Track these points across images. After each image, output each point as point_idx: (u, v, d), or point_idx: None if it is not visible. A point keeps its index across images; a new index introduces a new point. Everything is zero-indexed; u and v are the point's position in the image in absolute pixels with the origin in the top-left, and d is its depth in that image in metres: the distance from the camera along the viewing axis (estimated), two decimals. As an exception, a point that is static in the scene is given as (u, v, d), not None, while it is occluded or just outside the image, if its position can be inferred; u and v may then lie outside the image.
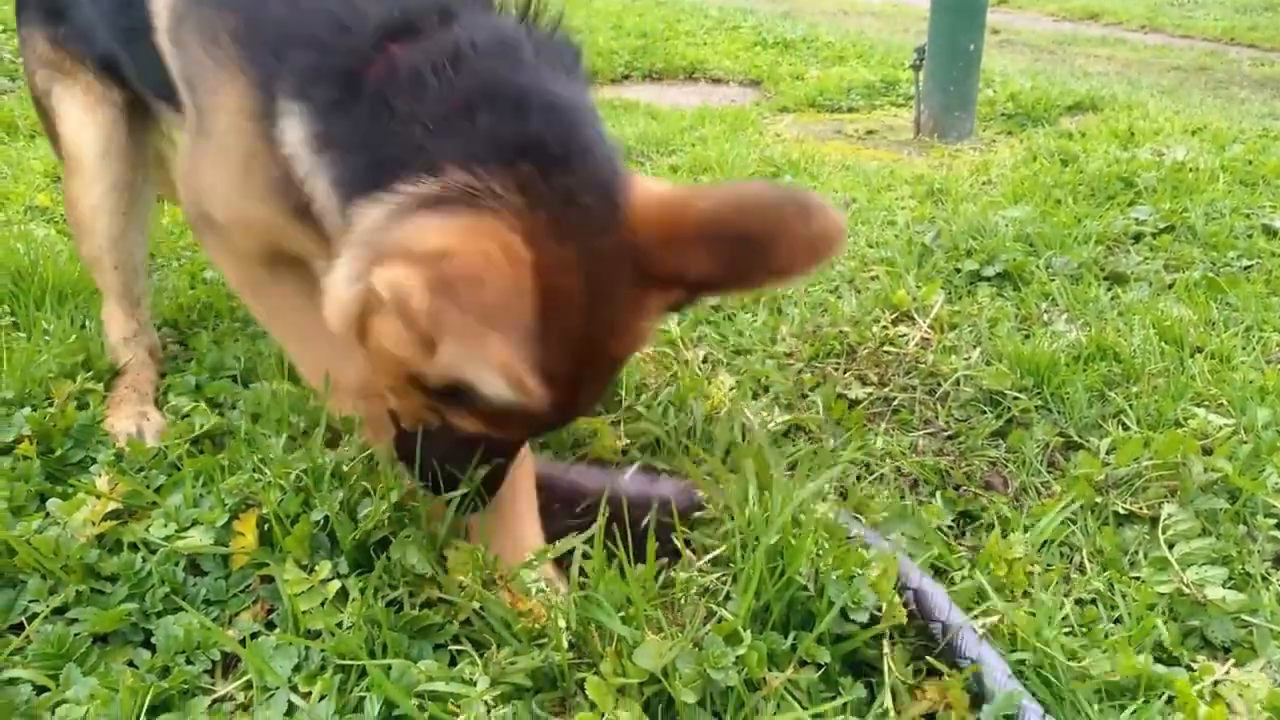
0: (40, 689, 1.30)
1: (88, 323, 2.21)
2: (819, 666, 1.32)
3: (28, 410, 1.79)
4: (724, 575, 1.44)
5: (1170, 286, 2.82)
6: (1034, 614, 1.41)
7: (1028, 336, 2.45)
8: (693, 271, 1.23)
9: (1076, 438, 2.03)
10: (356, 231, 1.22)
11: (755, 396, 2.17)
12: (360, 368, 1.50)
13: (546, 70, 1.27)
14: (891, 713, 1.27)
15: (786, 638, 1.34)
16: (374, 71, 1.25)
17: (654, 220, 1.22)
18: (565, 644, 1.25)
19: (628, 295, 1.23)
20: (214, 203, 1.53)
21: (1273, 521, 1.71)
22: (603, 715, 1.19)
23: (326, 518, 1.48)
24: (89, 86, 1.87)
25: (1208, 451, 1.87)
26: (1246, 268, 2.94)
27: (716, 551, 1.47)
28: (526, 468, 1.55)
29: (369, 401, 1.55)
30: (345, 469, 1.53)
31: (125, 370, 1.99)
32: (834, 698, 1.29)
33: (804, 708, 1.26)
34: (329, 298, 1.20)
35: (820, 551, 1.39)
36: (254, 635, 1.40)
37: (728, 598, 1.38)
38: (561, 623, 1.23)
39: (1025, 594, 1.52)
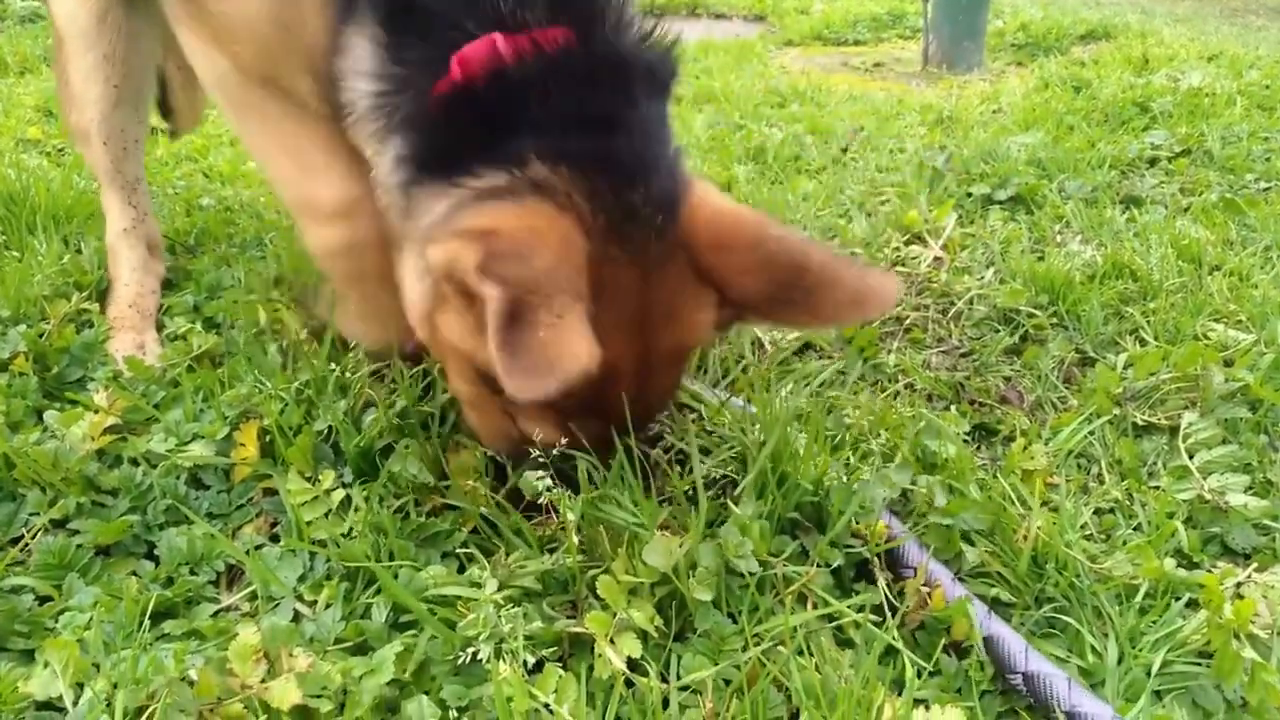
0: (43, 599, 1.28)
1: (83, 246, 2.16)
2: (831, 569, 1.30)
3: (23, 328, 1.75)
4: (728, 479, 1.41)
5: (1187, 209, 2.76)
6: (1056, 519, 1.38)
7: (1041, 257, 2.40)
8: (738, 285, 1.22)
9: (1092, 353, 1.99)
10: (419, 224, 1.22)
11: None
12: (340, 194, 1.45)
13: (641, 90, 1.25)
14: (899, 609, 1.25)
15: (794, 541, 1.32)
16: (472, 51, 1.19)
17: (709, 224, 1.23)
18: (576, 545, 1.22)
19: (681, 289, 1.22)
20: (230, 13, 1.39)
21: (1295, 431, 1.68)
22: (615, 615, 1.16)
23: (330, 427, 1.45)
24: None
25: (1228, 363, 1.83)
26: (1265, 189, 2.87)
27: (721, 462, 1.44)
28: None
29: (346, 225, 1.47)
30: (349, 377, 1.49)
31: (128, 283, 1.93)
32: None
33: (816, 608, 1.24)
34: (406, 297, 1.23)
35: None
36: (258, 547, 1.37)
37: (737, 501, 1.35)
38: (571, 516, 1.20)
39: (1045, 503, 1.49)
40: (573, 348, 0.97)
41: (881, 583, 1.30)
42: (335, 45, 1.28)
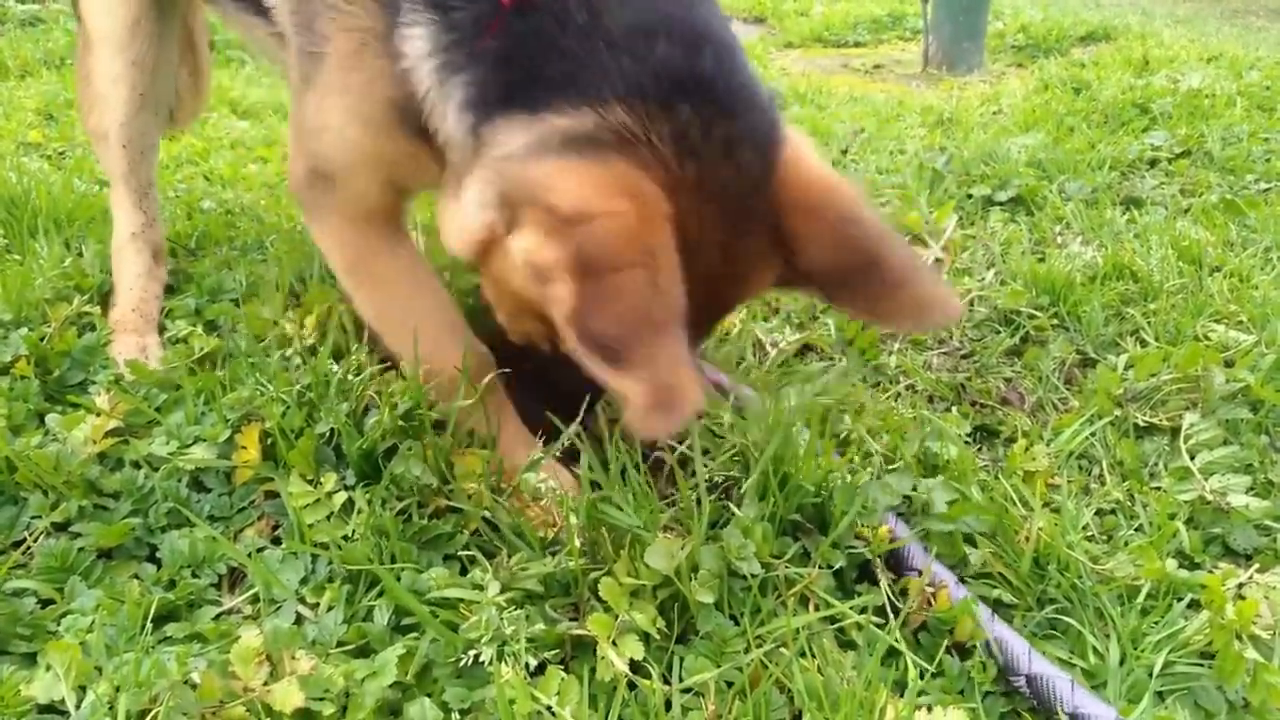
0: (45, 602, 1.28)
1: (84, 250, 2.16)
2: (832, 571, 1.30)
3: (24, 331, 1.75)
4: (731, 479, 1.42)
5: (1187, 210, 2.76)
6: (1058, 521, 1.38)
7: (1042, 258, 2.40)
8: (812, 256, 1.18)
9: (1093, 354, 1.99)
10: (492, 153, 1.14)
11: (766, 319, 2.12)
12: (473, 357, 1.45)
13: (715, 9, 1.20)
14: (902, 610, 1.25)
15: (795, 543, 1.32)
16: None
17: (800, 183, 1.18)
18: (578, 548, 1.22)
19: (757, 250, 1.19)
20: (331, 144, 1.37)
21: (1296, 432, 1.68)
22: (617, 617, 1.17)
23: (332, 430, 1.45)
24: None
25: (1229, 364, 1.83)
26: (1265, 190, 2.88)
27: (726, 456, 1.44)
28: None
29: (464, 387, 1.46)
30: (351, 380, 1.49)
31: (131, 288, 1.93)
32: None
33: (818, 610, 1.24)
34: (452, 220, 1.16)
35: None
36: (260, 550, 1.37)
37: (739, 503, 1.35)
38: (574, 520, 1.20)
39: (1046, 505, 1.49)
40: (686, 391, 0.97)
41: (884, 584, 1.30)
42: (396, 43, 1.23)
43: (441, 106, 1.22)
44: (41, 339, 1.76)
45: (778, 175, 1.17)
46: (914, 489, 1.43)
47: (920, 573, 1.28)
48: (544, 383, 1.43)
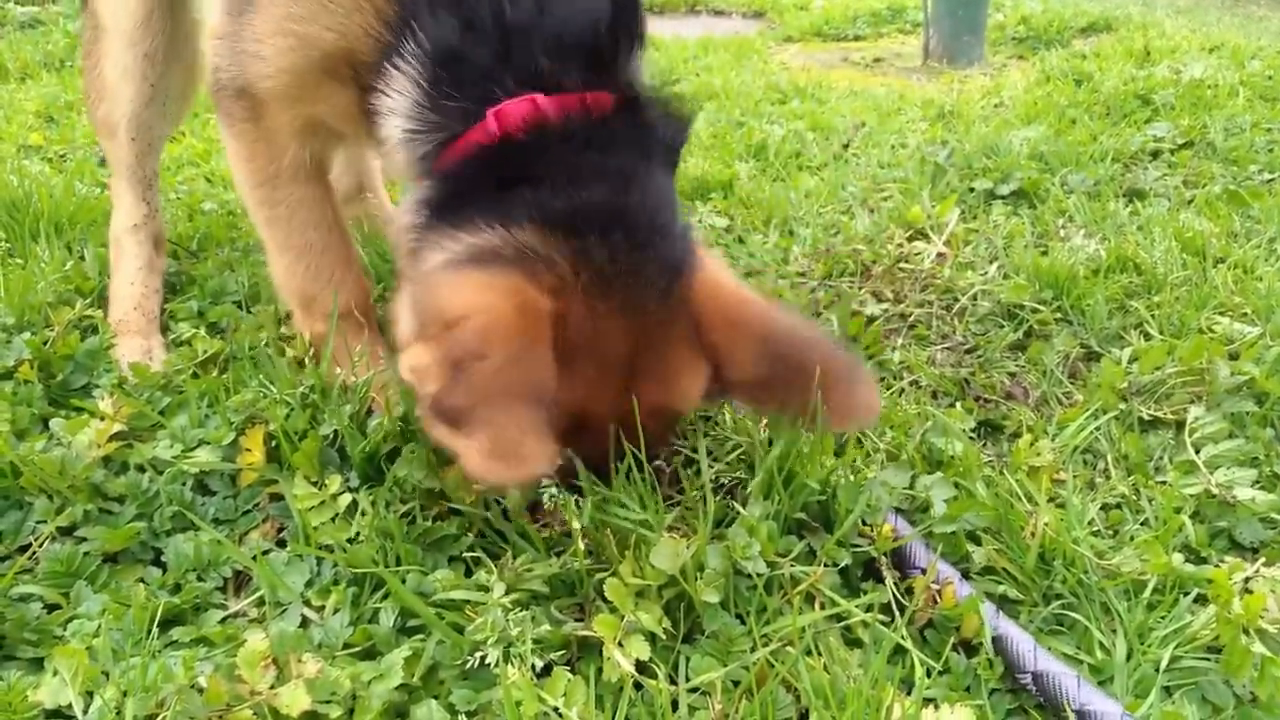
0: (51, 607, 1.28)
1: (85, 253, 2.16)
2: (838, 569, 1.30)
3: (27, 335, 1.76)
4: (735, 480, 1.41)
5: (1190, 202, 2.75)
6: (1063, 516, 1.38)
7: (1045, 251, 2.39)
8: (736, 368, 1.24)
9: (1097, 348, 1.98)
10: (418, 272, 1.24)
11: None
12: (345, 296, 1.56)
13: (659, 159, 1.30)
14: (908, 608, 1.25)
15: (800, 541, 1.32)
16: (512, 107, 1.22)
17: (712, 299, 1.25)
18: (582, 549, 1.22)
19: (677, 361, 1.24)
20: (264, 77, 1.40)
21: (1302, 424, 1.68)
22: (623, 618, 1.16)
23: (336, 432, 1.45)
24: None
25: (1234, 356, 1.83)
26: (1269, 181, 2.86)
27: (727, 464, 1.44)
28: None
29: (343, 329, 1.57)
30: (354, 382, 1.49)
31: (133, 282, 1.93)
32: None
33: (823, 609, 1.24)
34: (399, 334, 1.24)
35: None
36: (265, 553, 1.37)
37: (744, 502, 1.35)
38: (577, 524, 1.20)
39: (1051, 500, 1.49)
40: (526, 450, 1.02)
41: (889, 581, 1.30)
42: (377, 78, 1.29)
43: (399, 158, 1.33)
44: (44, 343, 1.76)
45: (692, 293, 1.24)
46: (911, 485, 1.43)
47: (924, 570, 1.28)
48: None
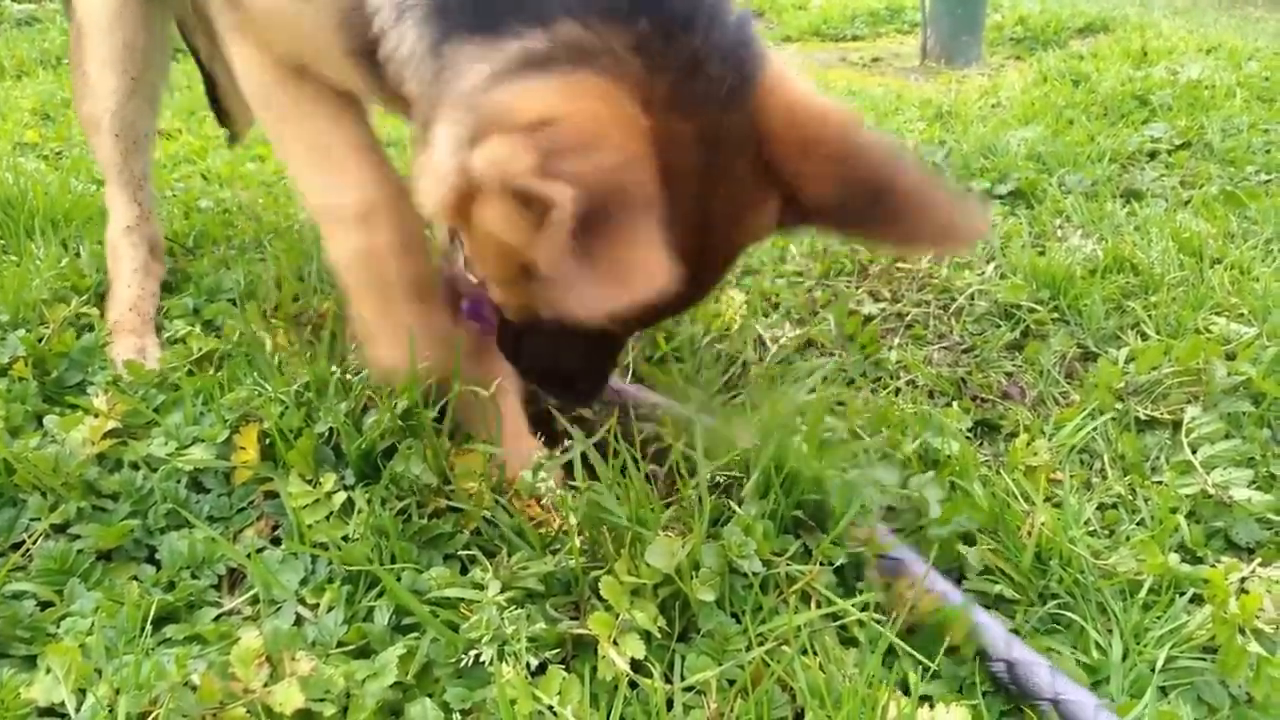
0: (44, 604, 1.28)
1: (81, 250, 2.16)
2: (833, 568, 1.30)
3: (22, 332, 1.75)
4: (730, 479, 1.41)
5: (1187, 202, 2.75)
6: (1060, 515, 1.38)
7: (1042, 251, 2.39)
8: (812, 193, 1.09)
9: (1094, 348, 1.98)
10: (456, 93, 1.05)
11: (765, 314, 2.12)
12: (363, 196, 1.36)
13: None
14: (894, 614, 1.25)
15: (796, 540, 1.32)
16: None
17: (786, 113, 1.09)
18: (578, 547, 1.22)
19: (748, 182, 1.10)
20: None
21: (1298, 425, 1.68)
22: (618, 616, 1.16)
23: (331, 429, 1.45)
24: None
25: (1230, 357, 1.83)
26: (1265, 181, 2.87)
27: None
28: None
29: (366, 230, 1.37)
30: (350, 379, 1.49)
31: (129, 285, 1.91)
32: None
33: (819, 607, 1.24)
34: (426, 174, 1.05)
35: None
36: (259, 550, 1.37)
37: (740, 501, 1.35)
38: (573, 520, 1.20)
39: (1048, 499, 1.48)
40: (648, 265, 0.86)
41: (879, 585, 1.30)
42: None
43: (401, 28, 1.15)
44: (39, 340, 1.76)
45: (762, 104, 1.08)
46: (904, 484, 1.42)
47: (899, 575, 1.28)
48: (552, 376, 1.38)
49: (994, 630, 1.19)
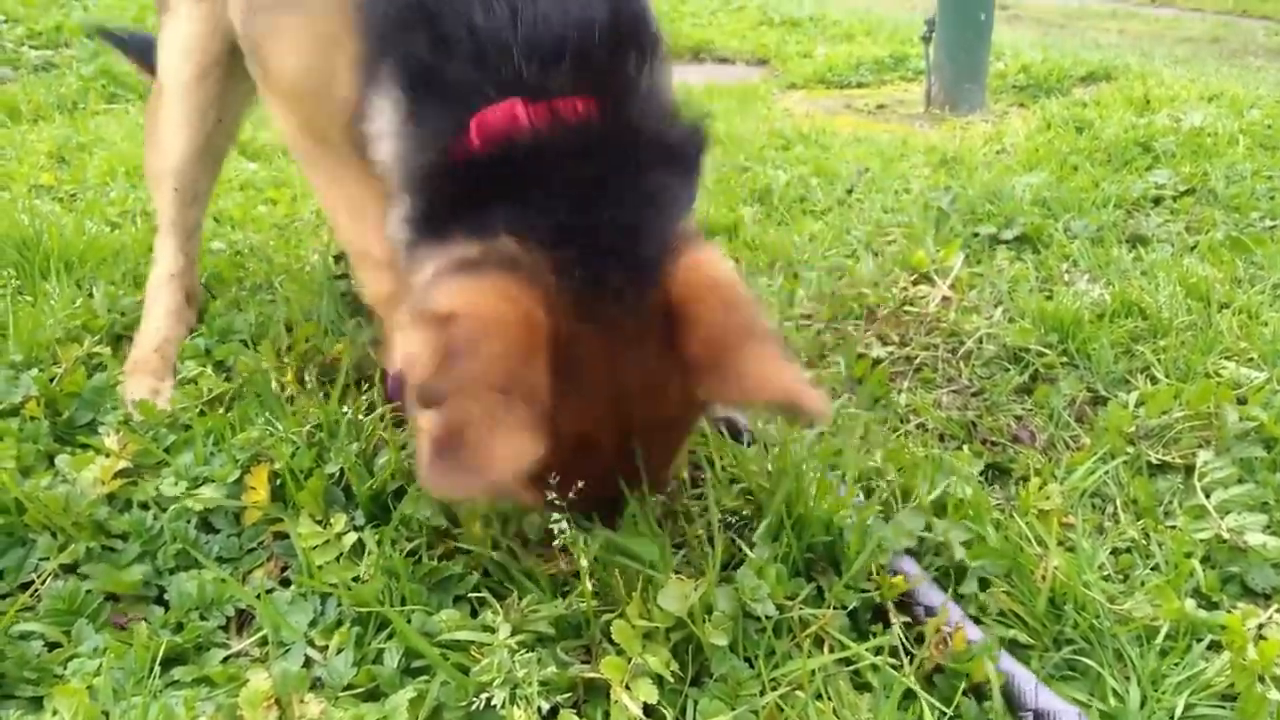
0: (52, 645, 1.27)
1: (94, 291, 2.17)
2: (847, 611, 1.29)
3: (34, 372, 1.76)
4: (741, 520, 1.41)
5: (1193, 247, 2.76)
6: (1074, 560, 1.37)
7: (1050, 296, 2.40)
8: (688, 349, 1.17)
9: (1104, 392, 1.98)
10: (415, 284, 1.23)
11: (774, 357, 2.12)
12: (389, 246, 1.45)
13: (653, 162, 1.24)
14: (916, 655, 1.23)
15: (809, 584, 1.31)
16: (492, 116, 1.20)
17: (691, 291, 1.18)
18: (589, 589, 1.21)
19: (661, 359, 1.18)
20: (279, 63, 1.45)
21: (1311, 470, 1.67)
22: (630, 660, 1.15)
23: (341, 470, 1.45)
24: (207, 13, 1.88)
25: (1241, 401, 1.82)
26: (1270, 227, 2.88)
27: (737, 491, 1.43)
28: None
29: (393, 273, 1.47)
30: (362, 420, 1.49)
31: (159, 328, 1.96)
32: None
33: (832, 652, 1.22)
34: (400, 347, 1.20)
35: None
36: (268, 591, 1.36)
37: (751, 543, 1.34)
38: (584, 563, 1.19)
39: (1061, 544, 1.47)
40: (509, 449, 0.98)
41: (896, 626, 1.29)
42: (364, 108, 1.30)
43: (394, 203, 1.30)
44: (51, 380, 1.76)
45: (675, 300, 1.18)
46: (928, 529, 1.42)
47: (929, 609, 1.27)
48: None
49: (1022, 677, 1.18)
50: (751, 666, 1.21)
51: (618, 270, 1.16)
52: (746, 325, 1.17)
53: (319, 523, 1.40)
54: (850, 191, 3.44)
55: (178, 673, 1.22)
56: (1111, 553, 1.49)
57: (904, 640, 1.27)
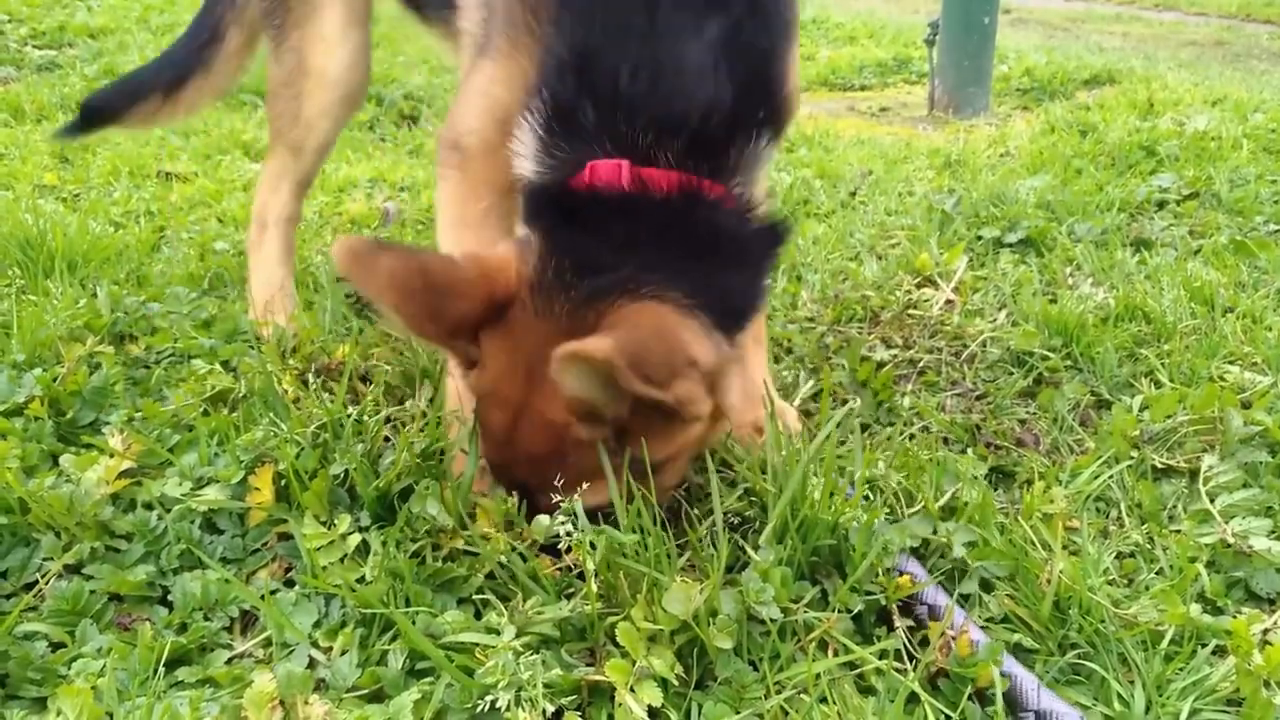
0: (56, 645, 1.27)
1: (98, 290, 2.18)
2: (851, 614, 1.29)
3: (38, 372, 1.76)
4: (747, 522, 1.41)
5: (1197, 251, 2.76)
6: (1078, 564, 1.36)
7: (1054, 299, 2.39)
8: None
9: (1108, 396, 1.98)
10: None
11: (778, 360, 2.12)
12: None
13: (715, 246, 1.39)
14: (919, 659, 1.23)
15: (814, 587, 1.31)
16: (603, 168, 1.36)
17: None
18: (594, 592, 1.21)
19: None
20: (462, 132, 1.58)
21: (1316, 475, 1.66)
22: (635, 663, 1.15)
23: (346, 471, 1.44)
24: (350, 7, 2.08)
25: (1245, 405, 1.82)
26: (1274, 231, 2.88)
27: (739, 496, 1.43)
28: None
29: None
30: (366, 421, 1.49)
31: (278, 264, 2.21)
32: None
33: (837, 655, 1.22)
34: None
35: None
36: (273, 592, 1.36)
37: (755, 545, 1.34)
38: (590, 565, 1.19)
39: (1065, 547, 1.47)
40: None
41: (901, 630, 1.29)
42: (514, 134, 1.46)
43: (521, 219, 1.47)
44: (55, 379, 1.76)
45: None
46: (934, 532, 1.41)
47: (933, 610, 1.27)
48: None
49: (1023, 678, 1.18)
50: (756, 670, 1.21)
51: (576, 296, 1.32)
52: None
53: (323, 524, 1.40)
54: (854, 194, 3.44)
55: (182, 673, 1.22)
56: (1116, 557, 1.49)
57: (908, 644, 1.27)
